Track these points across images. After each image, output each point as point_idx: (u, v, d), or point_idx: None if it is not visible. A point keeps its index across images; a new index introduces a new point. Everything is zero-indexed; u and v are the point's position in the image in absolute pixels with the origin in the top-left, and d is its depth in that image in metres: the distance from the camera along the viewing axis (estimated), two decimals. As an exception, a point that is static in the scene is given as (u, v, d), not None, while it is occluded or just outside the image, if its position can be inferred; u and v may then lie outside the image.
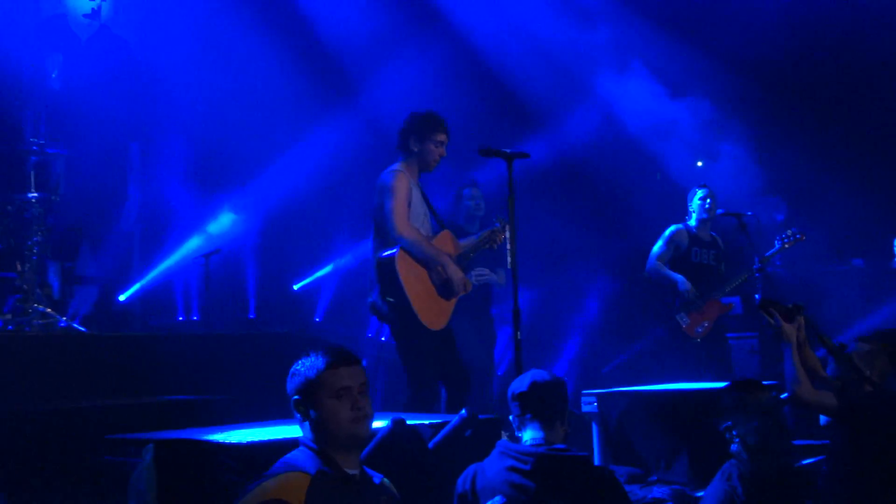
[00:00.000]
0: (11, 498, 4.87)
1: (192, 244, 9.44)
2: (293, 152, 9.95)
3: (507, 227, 5.75)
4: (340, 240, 10.19)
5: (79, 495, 4.96)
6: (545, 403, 3.87)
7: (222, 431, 4.33)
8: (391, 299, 5.76)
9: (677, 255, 8.19)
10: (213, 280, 9.29)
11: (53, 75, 8.86)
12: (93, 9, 9.34)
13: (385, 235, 5.86)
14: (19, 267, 7.31)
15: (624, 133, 10.80)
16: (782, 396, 5.16)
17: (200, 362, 7.01)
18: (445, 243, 6.10)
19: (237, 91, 9.79)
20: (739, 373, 8.28)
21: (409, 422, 4.23)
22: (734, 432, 4.19)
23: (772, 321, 4.92)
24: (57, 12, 9.25)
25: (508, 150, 5.73)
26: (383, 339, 9.21)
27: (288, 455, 3.08)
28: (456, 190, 7.92)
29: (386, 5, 10.23)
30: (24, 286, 7.25)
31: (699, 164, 11.38)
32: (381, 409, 5.69)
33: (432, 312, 5.78)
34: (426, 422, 4.55)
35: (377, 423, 4.46)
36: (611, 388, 7.02)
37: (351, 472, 3.07)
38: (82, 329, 7.42)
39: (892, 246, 10.15)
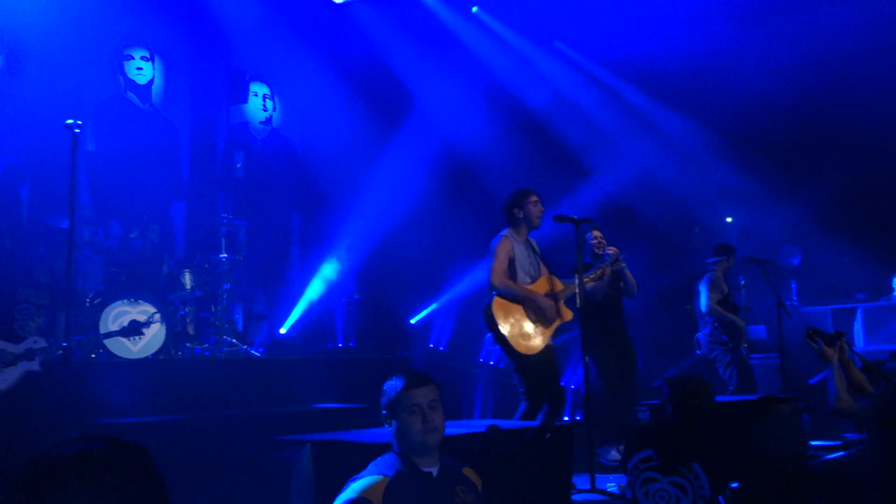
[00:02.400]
0: (203, 482, 4.92)
1: (316, 287, 9.42)
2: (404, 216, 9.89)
3: (577, 277, 5.72)
4: (448, 279, 10.01)
5: (254, 482, 5.03)
6: None
7: (363, 433, 4.33)
8: (492, 334, 5.75)
9: (723, 297, 7.98)
10: (354, 315, 9.40)
11: (238, 166, 9.20)
12: (266, 118, 9.72)
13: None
14: (213, 308, 7.56)
15: (664, 189, 10.56)
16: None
17: (346, 379, 7.09)
18: (543, 284, 6.00)
19: (372, 172, 9.89)
20: (763, 387, 8.00)
21: (502, 427, 4.21)
22: (755, 438, 4.03)
23: (815, 346, 4.74)
24: (240, 121, 9.60)
25: (576, 217, 5.72)
26: (492, 363, 9.10)
27: (377, 459, 3.03)
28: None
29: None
30: (217, 322, 7.49)
31: (728, 219, 11.13)
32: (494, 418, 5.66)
33: (527, 340, 5.70)
34: (516, 427, 4.50)
35: (477, 427, 4.49)
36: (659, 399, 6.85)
37: (427, 469, 2.98)
38: (258, 354, 7.58)
39: (890, 283, 9.73)
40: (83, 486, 1.40)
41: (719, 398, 7.00)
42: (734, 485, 4.32)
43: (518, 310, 5.69)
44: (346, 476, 3.06)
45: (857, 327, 9.47)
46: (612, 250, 6.88)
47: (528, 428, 4.39)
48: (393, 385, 3.06)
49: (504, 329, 5.61)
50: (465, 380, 8.70)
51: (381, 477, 2.90)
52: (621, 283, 7.10)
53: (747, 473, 3.88)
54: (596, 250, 7.09)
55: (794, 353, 9.12)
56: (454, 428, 4.43)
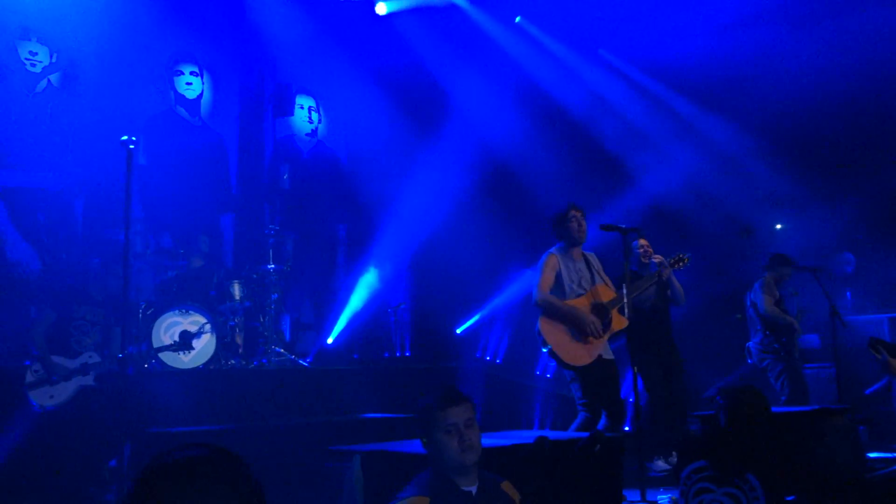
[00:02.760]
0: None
1: (359, 297, 9.43)
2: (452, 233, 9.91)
3: (624, 287, 5.65)
4: (495, 287, 9.90)
5: (304, 492, 5.06)
6: None
7: (412, 444, 4.31)
8: (543, 349, 5.73)
9: (777, 300, 7.80)
10: (400, 325, 9.41)
11: (284, 178, 9.31)
12: (312, 130, 9.83)
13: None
14: (262, 319, 7.63)
15: (712, 195, 10.39)
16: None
17: (393, 389, 7.10)
18: (590, 297, 5.95)
19: (415, 181, 9.92)
20: (817, 397, 7.80)
21: (551, 438, 4.17)
22: (813, 450, 3.92)
23: (879, 356, 4.60)
24: (286, 134, 9.72)
25: (624, 226, 5.66)
26: (549, 375, 9.05)
27: (416, 478, 3.00)
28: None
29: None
30: (265, 333, 7.56)
31: (778, 226, 10.92)
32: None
33: (573, 352, 5.66)
34: (566, 439, 4.46)
35: (526, 438, 4.46)
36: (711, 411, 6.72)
37: (467, 488, 2.95)
38: (305, 364, 7.63)
39: None
40: (194, 490, 1.47)
41: (774, 409, 6.88)
42: (790, 498, 4.22)
43: (563, 323, 5.66)
44: (395, 487, 3.05)
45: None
46: (658, 259, 6.78)
47: (578, 439, 4.34)
48: (428, 404, 3.02)
49: (552, 342, 5.59)
50: (521, 392, 8.63)
51: (421, 497, 2.88)
52: (668, 292, 6.99)
53: (804, 486, 3.78)
54: (642, 259, 7.00)
55: (849, 362, 8.92)
56: (504, 439, 4.41)
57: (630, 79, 10.86)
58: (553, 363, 6.24)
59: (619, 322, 5.76)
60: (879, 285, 9.53)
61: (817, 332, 8.98)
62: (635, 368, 5.55)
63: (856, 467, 3.89)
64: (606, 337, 5.72)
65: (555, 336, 5.61)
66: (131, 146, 5.02)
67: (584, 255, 5.94)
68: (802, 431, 4.31)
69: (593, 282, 5.82)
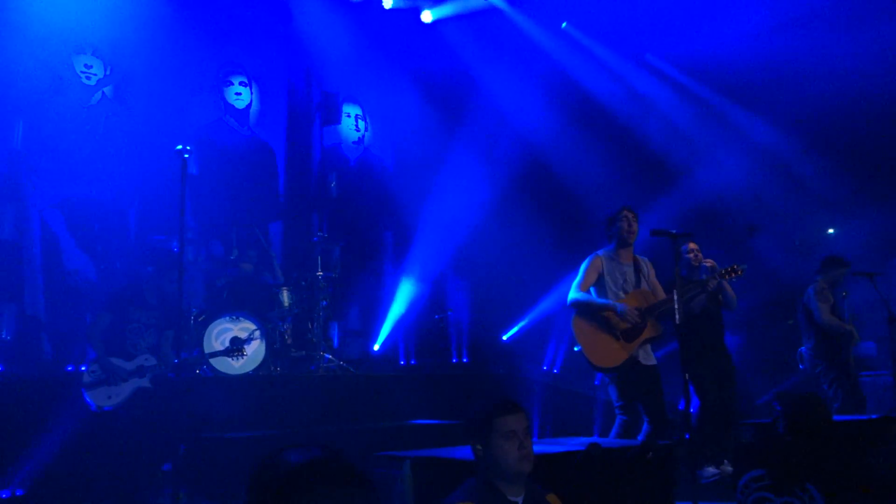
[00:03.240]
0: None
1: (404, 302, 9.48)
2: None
3: (675, 292, 5.57)
4: (539, 293, 9.90)
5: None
6: None
7: (461, 450, 4.22)
8: (577, 349, 5.73)
9: (832, 307, 7.61)
10: (447, 331, 9.42)
11: (332, 186, 9.39)
12: (359, 138, 9.91)
13: None
14: (310, 325, 7.70)
15: (763, 200, 10.21)
16: None
17: (440, 395, 7.10)
18: (633, 299, 5.90)
19: (460, 188, 9.95)
20: (874, 406, 7.59)
21: (603, 445, 4.12)
22: (880, 462, 3.81)
23: None
24: (333, 142, 9.81)
25: (674, 231, 5.58)
26: (597, 383, 8.97)
27: (462, 486, 2.98)
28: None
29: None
30: (314, 339, 7.63)
31: (830, 231, 10.68)
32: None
33: (602, 354, 5.61)
34: (617, 446, 4.41)
35: (578, 445, 4.42)
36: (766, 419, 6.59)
37: (513, 498, 2.92)
38: (353, 370, 7.67)
39: None
40: (320, 491, 1.54)
41: (836, 417, 6.71)
42: None
43: (595, 323, 5.62)
44: (445, 493, 3.05)
45: None
46: (709, 263, 6.67)
47: (629, 447, 4.29)
48: (487, 410, 3.00)
49: (581, 342, 5.60)
50: (574, 401, 8.55)
51: (469, 503, 2.87)
52: (720, 297, 6.86)
53: (867, 497, 3.67)
54: (693, 263, 6.88)
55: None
56: (555, 446, 4.38)
57: (676, 82, 10.74)
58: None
59: (654, 329, 5.70)
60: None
61: (874, 339, 8.75)
62: (686, 375, 5.44)
63: None
64: (640, 341, 5.65)
65: (585, 337, 5.61)
66: (186, 155, 5.12)
67: (635, 259, 5.88)
68: (863, 440, 4.17)
69: (638, 286, 5.77)
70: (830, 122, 9.76)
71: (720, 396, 6.72)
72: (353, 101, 10.05)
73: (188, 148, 5.15)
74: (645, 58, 10.75)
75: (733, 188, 10.17)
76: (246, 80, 9.09)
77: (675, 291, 5.58)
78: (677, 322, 5.44)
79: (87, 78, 7.86)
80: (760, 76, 9.87)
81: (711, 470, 6.55)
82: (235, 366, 6.68)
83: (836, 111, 9.62)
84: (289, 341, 7.46)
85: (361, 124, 10.07)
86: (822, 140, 10.09)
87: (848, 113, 9.61)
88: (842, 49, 9.51)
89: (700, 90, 10.68)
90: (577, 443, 4.53)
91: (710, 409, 6.66)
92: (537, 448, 4.33)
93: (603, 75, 10.41)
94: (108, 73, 7.97)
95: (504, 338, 9.78)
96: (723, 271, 6.24)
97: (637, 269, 5.85)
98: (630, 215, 5.84)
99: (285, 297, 7.48)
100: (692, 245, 6.91)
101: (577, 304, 5.70)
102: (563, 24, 10.53)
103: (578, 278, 5.72)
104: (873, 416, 6.17)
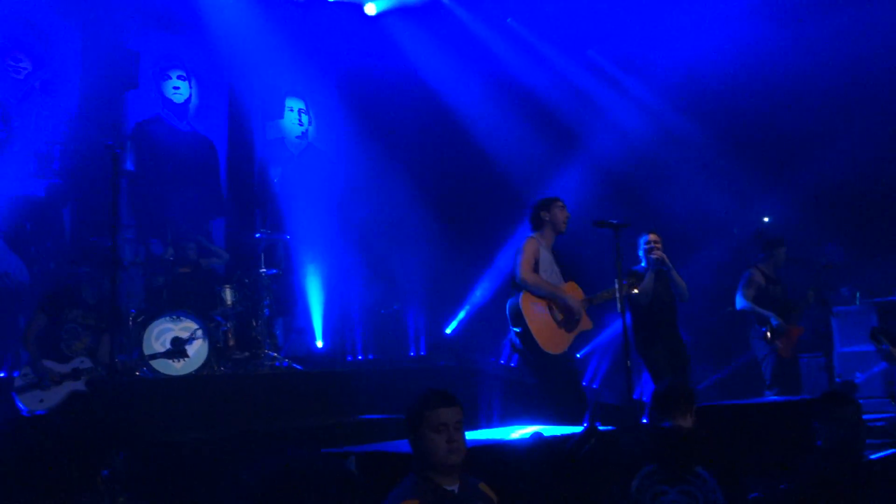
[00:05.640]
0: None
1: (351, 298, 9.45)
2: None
3: (617, 281, 5.64)
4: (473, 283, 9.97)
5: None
6: None
7: (405, 443, 4.27)
8: (518, 329, 5.71)
9: (759, 292, 7.77)
10: (392, 326, 9.40)
11: (276, 181, 9.27)
12: (302, 132, 9.80)
13: (515, 285, 5.83)
14: (255, 323, 7.59)
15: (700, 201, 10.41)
16: None
17: (388, 390, 7.05)
18: (571, 289, 5.96)
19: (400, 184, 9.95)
20: (810, 386, 7.79)
21: (545, 434, 4.15)
22: (822, 434, 3.93)
23: (880, 346, 4.57)
24: (276, 136, 9.69)
25: (615, 221, 5.64)
26: (513, 364, 9.01)
27: (400, 485, 3.02)
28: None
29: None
30: (258, 337, 7.52)
31: (766, 219, 10.92)
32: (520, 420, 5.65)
33: (552, 340, 5.68)
34: (560, 433, 4.44)
35: (520, 434, 4.44)
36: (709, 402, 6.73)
37: (450, 488, 2.98)
38: (299, 367, 7.57)
39: None
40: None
41: (762, 399, 6.87)
42: (754, 495, 4.19)
43: (545, 308, 5.65)
44: (391, 486, 3.04)
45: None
46: (657, 255, 6.74)
47: (571, 435, 4.31)
48: (419, 403, 3.05)
49: (531, 324, 5.59)
50: (519, 389, 8.60)
51: (413, 500, 2.90)
52: (670, 286, 6.94)
53: (759, 474, 3.78)
54: (648, 255, 6.92)
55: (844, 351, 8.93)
56: (498, 436, 4.39)
57: (615, 79, 10.84)
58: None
59: (589, 322, 5.80)
60: (869, 274, 9.53)
61: (808, 322, 8.98)
62: (629, 363, 5.51)
63: (860, 451, 3.89)
64: (577, 332, 5.76)
65: (535, 320, 5.62)
66: (118, 150, 4.98)
67: (554, 251, 5.96)
68: (792, 422, 4.28)
69: (563, 278, 5.84)
70: (759, 114, 10.03)
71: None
72: (296, 95, 9.92)
73: (120, 143, 5.02)
74: (587, 54, 10.83)
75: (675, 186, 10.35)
76: (184, 74, 8.90)
77: (616, 282, 5.66)
78: (619, 311, 5.52)
79: (17, 72, 7.60)
80: (697, 74, 10.05)
81: None
82: (177, 366, 6.55)
83: (768, 106, 9.91)
84: (232, 340, 7.34)
85: (305, 118, 9.95)
86: (748, 136, 10.34)
87: (777, 106, 9.91)
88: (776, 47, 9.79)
89: (635, 86, 10.81)
90: (520, 433, 4.56)
91: None
92: (481, 439, 4.34)
93: (545, 71, 10.45)
94: (37, 67, 7.73)
95: (447, 331, 9.78)
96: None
97: (557, 260, 5.92)
98: (564, 205, 5.93)
99: (228, 294, 7.36)
100: (652, 235, 6.94)
101: (528, 285, 5.67)
102: (508, 20, 10.55)
103: (522, 259, 5.69)
104: (802, 398, 6.36)
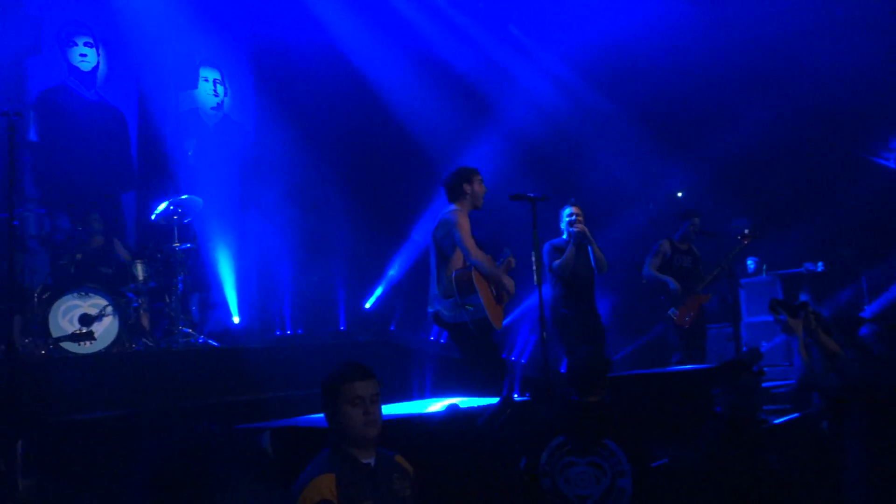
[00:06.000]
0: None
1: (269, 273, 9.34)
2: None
3: (534, 254, 5.70)
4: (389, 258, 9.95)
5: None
6: None
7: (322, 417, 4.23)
8: (470, 307, 5.56)
9: (664, 262, 7.98)
10: (308, 301, 9.32)
11: (189, 154, 9.02)
12: (217, 103, 9.54)
13: (446, 260, 5.69)
14: (167, 299, 7.42)
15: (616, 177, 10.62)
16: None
17: (304, 365, 6.98)
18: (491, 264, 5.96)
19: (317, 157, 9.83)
20: (717, 356, 8.06)
21: (461, 405, 4.18)
22: (720, 401, 4.06)
23: (778, 317, 4.66)
24: (190, 107, 9.41)
25: (532, 195, 5.68)
26: (442, 341, 9.05)
27: (316, 459, 3.02)
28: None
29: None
30: (172, 313, 7.36)
31: (679, 194, 11.21)
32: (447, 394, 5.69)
33: (497, 316, 5.71)
34: (475, 405, 4.47)
35: (436, 407, 4.47)
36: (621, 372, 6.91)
37: (366, 461, 3.01)
38: (215, 344, 7.46)
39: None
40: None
41: (668, 368, 7.09)
42: (659, 462, 4.34)
43: (486, 284, 5.67)
44: (307, 461, 3.02)
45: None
46: (578, 228, 6.82)
47: (487, 407, 4.36)
48: (335, 376, 3.04)
49: (483, 298, 5.54)
50: (428, 361, 8.64)
51: (328, 475, 2.90)
52: (589, 259, 7.03)
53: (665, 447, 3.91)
54: (570, 227, 6.98)
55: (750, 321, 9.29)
56: (415, 408, 4.41)
57: (532, 54, 10.90)
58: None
59: (506, 296, 5.85)
60: (776, 247, 9.91)
61: (717, 293, 9.29)
62: (544, 335, 5.60)
63: (756, 417, 4.05)
64: (504, 305, 5.81)
65: (485, 293, 5.56)
66: (15, 117, 4.74)
67: None
68: (696, 390, 4.42)
69: (484, 251, 5.81)
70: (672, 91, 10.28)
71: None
72: (211, 64, 9.64)
73: (17, 111, 4.78)
74: (507, 29, 10.86)
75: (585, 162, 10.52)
76: (91, 41, 8.54)
77: (534, 254, 5.72)
78: (535, 283, 5.60)
79: None
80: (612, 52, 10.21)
81: None
82: (86, 344, 6.34)
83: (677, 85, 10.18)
84: (145, 317, 7.16)
85: (220, 89, 9.70)
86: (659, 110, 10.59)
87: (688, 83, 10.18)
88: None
89: (559, 66, 10.90)
90: (437, 405, 4.59)
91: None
92: (397, 412, 4.35)
93: (463, 44, 10.41)
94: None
95: (366, 306, 9.76)
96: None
97: (474, 235, 5.91)
98: (482, 179, 5.89)
99: (139, 270, 7.16)
100: (575, 209, 7.01)
101: (478, 265, 5.57)
102: None
103: (464, 235, 5.57)
104: (705, 366, 6.60)
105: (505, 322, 6.02)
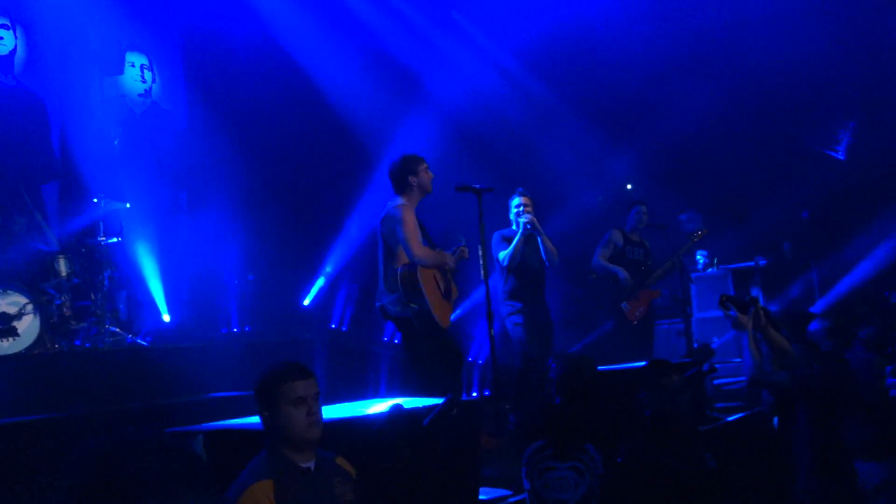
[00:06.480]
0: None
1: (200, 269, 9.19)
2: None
3: (480, 247, 5.73)
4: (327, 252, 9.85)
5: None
6: None
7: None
8: (414, 306, 5.58)
9: (615, 252, 8.06)
10: (244, 298, 9.22)
11: (115, 143, 8.83)
12: (145, 90, 9.36)
13: (392, 255, 5.68)
14: (93, 296, 7.25)
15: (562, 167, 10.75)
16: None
17: (241, 365, 6.93)
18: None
19: (254, 144, 9.73)
20: (668, 352, 8.20)
21: (406, 405, 4.18)
22: (647, 403, 4.05)
23: (728, 313, 4.71)
24: (117, 94, 9.21)
25: (478, 186, 5.71)
26: (396, 341, 9.02)
27: (252, 464, 2.97)
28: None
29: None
30: (98, 311, 7.20)
31: (629, 186, 11.39)
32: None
33: (444, 314, 5.70)
34: (420, 405, 4.47)
35: (380, 407, 4.46)
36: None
37: (305, 465, 2.98)
38: (145, 343, 7.31)
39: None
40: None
41: (605, 367, 7.20)
42: (619, 459, 4.41)
43: (434, 281, 5.67)
44: (242, 465, 2.99)
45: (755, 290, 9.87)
46: (528, 219, 6.85)
47: (432, 407, 4.36)
48: (274, 376, 3.00)
49: (429, 297, 5.54)
50: (370, 360, 8.63)
51: (265, 481, 2.86)
52: (539, 250, 7.07)
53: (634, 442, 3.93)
54: (518, 217, 6.98)
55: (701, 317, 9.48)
56: (354, 409, 4.39)
57: (477, 44, 10.95)
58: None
59: (456, 290, 5.88)
60: (727, 240, 10.13)
61: (668, 289, 9.46)
62: (491, 331, 5.63)
63: (688, 419, 4.02)
64: (453, 300, 5.81)
65: (431, 292, 5.57)
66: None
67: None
68: (632, 387, 4.43)
69: (427, 243, 5.81)
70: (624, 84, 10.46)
71: (540, 349, 6.98)
72: (138, 49, 9.43)
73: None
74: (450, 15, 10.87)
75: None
76: (8, 23, 8.27)
77: (480, 247, 5.76)
78: (483, 277, 5.63)
79: None
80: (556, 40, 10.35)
81: None
82: (4, 345, 6.18)
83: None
84: (68, 314, 6.97)
85: (148, 75, 9.49)
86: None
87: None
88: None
89: (498, 53, 10.96)
90: (381, 405, 4.58)
91: (529, 365, 6.92)
92: (336, 413, 4.33)
93: (401, 30, 10.37)
94: None
95: (305, 302, 9.68)
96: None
97: (421, 224, 5.91)
98: (428, 166, 5.88)
99: (62, 265, 6.96)
100: (525, 199, 7.02)
101: (423, 261, 5.56)
102: None
103: (408, 231, 5.55)
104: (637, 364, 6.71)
105: (453, 318, 6.02)
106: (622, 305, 7.86)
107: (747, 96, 10.47)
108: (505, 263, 6.95)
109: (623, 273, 7.81)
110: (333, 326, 9.52)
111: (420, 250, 5.56)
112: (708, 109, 10.25)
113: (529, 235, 6.92)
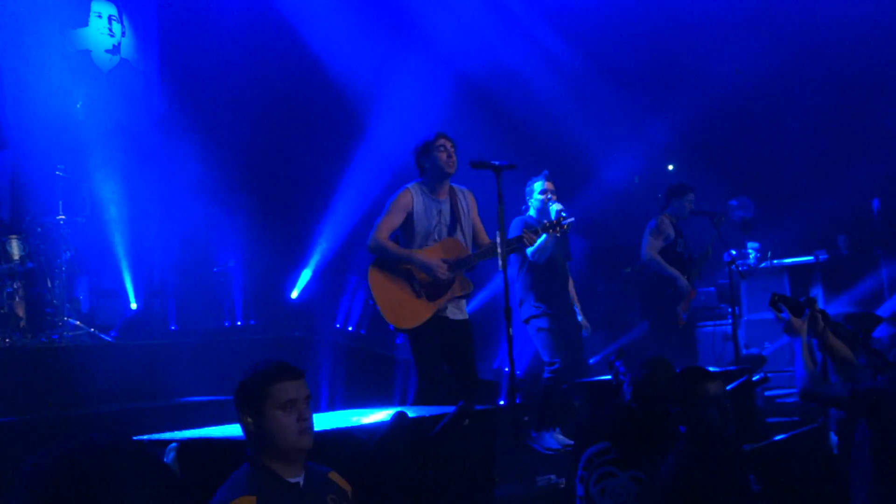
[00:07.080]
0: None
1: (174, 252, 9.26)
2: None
3: (499, 233, 5.69)
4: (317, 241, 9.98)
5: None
6: None
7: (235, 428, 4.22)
8: (370, 302, 5.79)
9: (667, 245, 8.00)
10: (227, 287, 9.25)
11: (78, 106, 8.85)
12: (114, 45, 9.37)
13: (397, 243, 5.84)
14: (50, 284, 7.29)
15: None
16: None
17: (219, 366, 6.96)
18: (448, 248, 5.95)
19: (236, 111, 9.74)
20: (712, 359, 8.16)
21: (411, 414, 4.16)
22: (681, 418, 4.01)
23: (780, 316, 4.66)
24: (81, 49, 9.24)
25: (497, 163, 5.68)
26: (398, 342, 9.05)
27: (233, 477, 2.96)
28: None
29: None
30: (55, 301, 7.24)
31: (670, 167, 11.36)
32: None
33: (400, 312, 5.70)
34: (427, 414, 4.47)
35: (382, 415, 4.46)
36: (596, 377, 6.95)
37: (293, 480, 2.97)
38: (108, 339, 7.36)
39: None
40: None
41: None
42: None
43: (398, 275, 5.69)
44: (219, 478, 2.99)
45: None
46: (559, 206, 6.78)
47: (442, 415, 4.35)
48: (259, 377, 2.99)
49: (377, 298, 5.65)
50: (379, 363, 8.64)
51: (249, 497, 2.85)
52: (567, 246, 7.07)
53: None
54: (547, 204, 6.94)
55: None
56: (353, 417, 4.39)
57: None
58: None
59: (463, 286, 5.83)
60: (784, 233, 10.08)
61: (714, 286, 9.42)
62: (510, 331, 5.60)
63: (728, 436, 3.98)
64: (444, 300, 5.76)
65: (382, 291, 5.67)
66: None
67: (452, 194, 5.94)
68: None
69: (452, 231, 5.82)
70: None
71: (570, 357, 6.97)
72: (105, -2, 9.49)
73: None
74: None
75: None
76: (-45, -34, 8.31)
77: (499, 234, 5.72)
78: (500, 269, 5.59)
79: None
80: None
81: (552, 440, 6.84)
82: (-52, 339, 6.22)
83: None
84: (20, 305, 7.01)
85: (117, 28, 9.53)
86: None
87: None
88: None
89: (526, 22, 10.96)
90: (382, 413, 4.58)
91: (560, 372, 6.90)
92: (330, 422, 4.33)
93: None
94: None
95: (292, 296, 9.71)
96: (547, 224, 6.33)
97: (454, 207, 5.90)
98: (448, 144, 5.87)
99: (15, 247, 7.02)
100: (548, 184, 7.00)
101: (374, 251, 5.73)
102: None
103: (381, 218, 5.72)
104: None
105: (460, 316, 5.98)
106: (678, 310, 7.81)
107: (808, 60, 10.29)
108: (535, 258, 6.91)
109: (683, 281, 7.77)
110: (338, 326, 9.52)
111: (374, 239, 5.69)
112: (761, 75, 10.15)
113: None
